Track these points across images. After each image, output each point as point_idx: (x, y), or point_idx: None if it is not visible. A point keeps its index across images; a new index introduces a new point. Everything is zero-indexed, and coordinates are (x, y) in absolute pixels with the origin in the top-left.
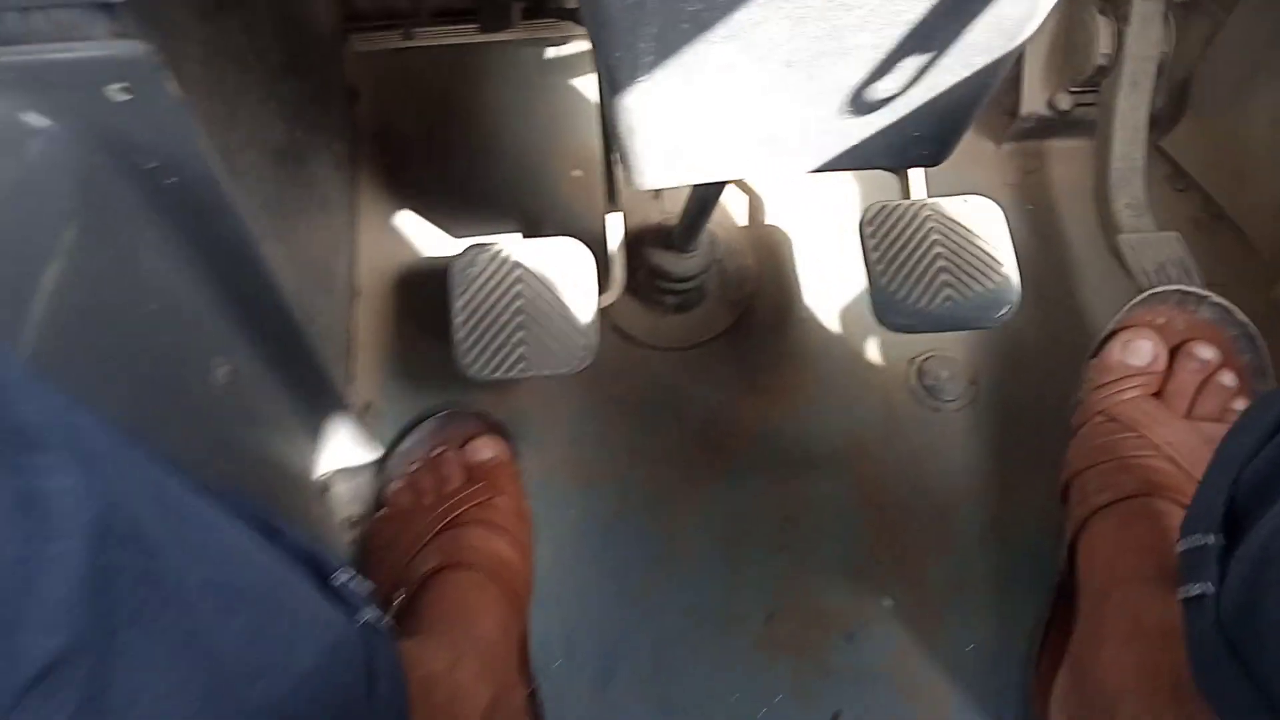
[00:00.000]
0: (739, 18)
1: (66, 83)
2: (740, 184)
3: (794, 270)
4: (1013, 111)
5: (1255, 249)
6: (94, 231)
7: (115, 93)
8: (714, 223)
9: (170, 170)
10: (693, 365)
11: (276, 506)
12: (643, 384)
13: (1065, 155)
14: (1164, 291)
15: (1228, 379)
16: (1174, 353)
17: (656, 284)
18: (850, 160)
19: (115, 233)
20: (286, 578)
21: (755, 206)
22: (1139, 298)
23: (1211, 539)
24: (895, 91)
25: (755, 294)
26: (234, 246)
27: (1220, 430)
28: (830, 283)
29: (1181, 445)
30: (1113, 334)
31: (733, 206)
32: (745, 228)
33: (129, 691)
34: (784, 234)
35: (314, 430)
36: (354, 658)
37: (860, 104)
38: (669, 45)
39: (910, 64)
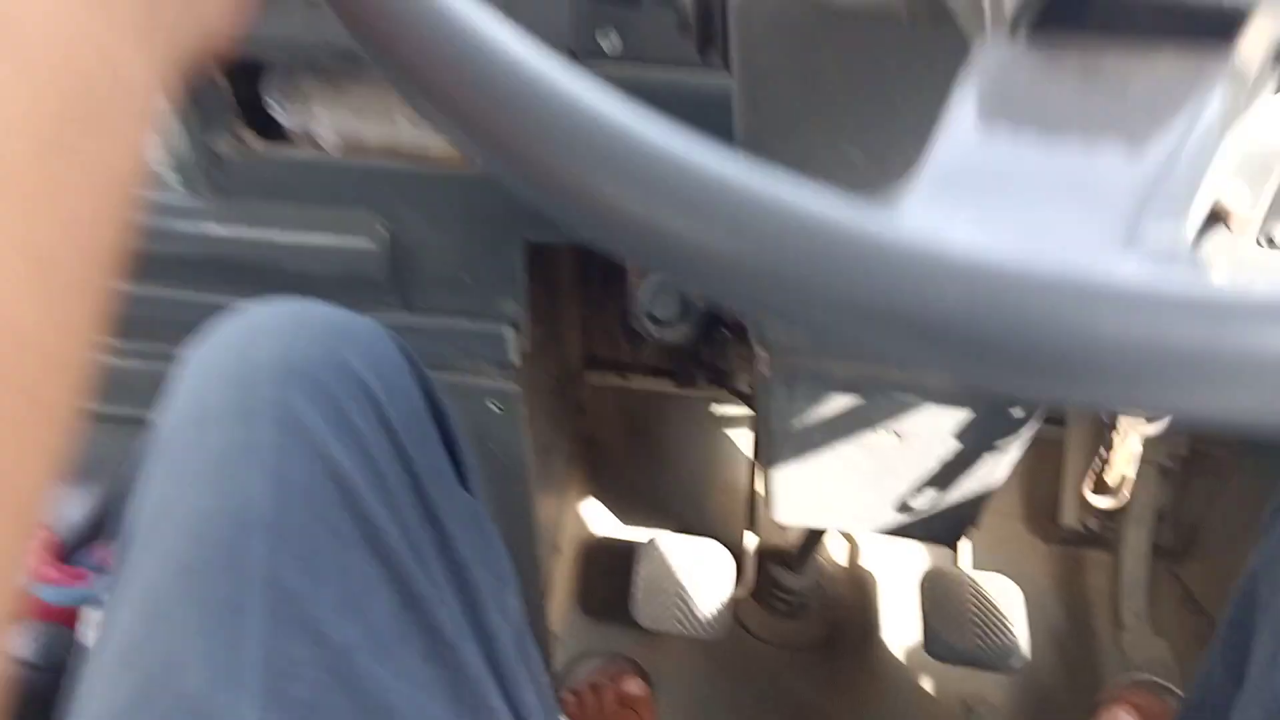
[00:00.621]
0: (857, 430)
1: (471, 389)
2: (846, 534)
3: (878, 607)
4: (1057, 521)
5: None
6: None
7: (496, 405)
8: (824, 558)
9: (502, 458)
10: (791, 663)
11: None
12: (752, 669)
13: (1095, 561)
14: (1144, 680)
15: None
16: None
17: (774, 592)
18: (902, 530)
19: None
20: None
21: (854, 552)
22: (1126, 679)
23: None
24: (925, 499)
25: (846, 619)
26: (522, 504)
27: None
28: (905, 624)
29: None
30: (1100, 706)
31: (838, 550)
32: (846, 567)
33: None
34: (874, 578)
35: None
36: None
37: (908, 498)
38: (810, 435)
39: (935, 483)
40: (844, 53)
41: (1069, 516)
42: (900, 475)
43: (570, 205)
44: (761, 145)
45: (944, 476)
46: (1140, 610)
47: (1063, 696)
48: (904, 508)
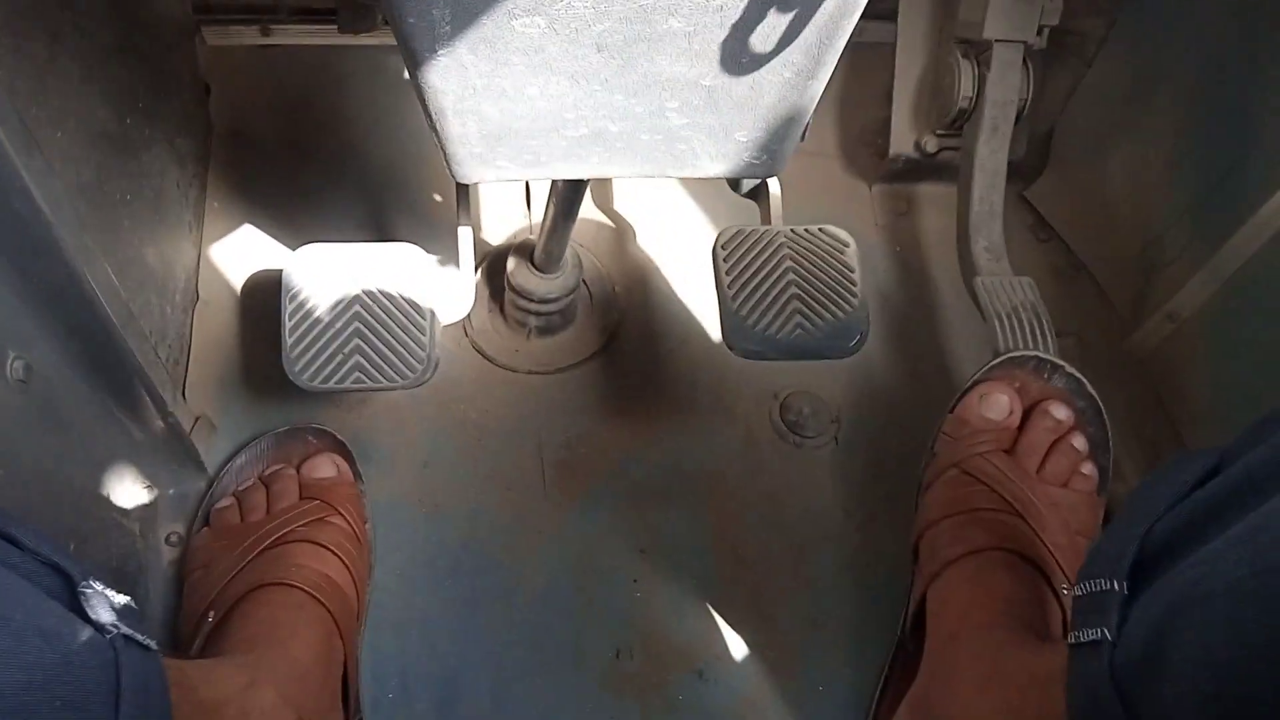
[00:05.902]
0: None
1: None
2: (606, 209)
3: (662, 298)
4: (883, 153)
5: (1111, 300)
6: None
7: None
8: (581, 246)
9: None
10: (554, 390)
11: (78, 517)
12: (501, 408)
13: (934, 199)
14: (1021, 356)
15: (1078, 442)
16: (1028, 413)
17: (519, 305)
18: (682, 165)
19: None
20: None
21: (623, 232)
22: (997, 360)
23: (1116, 585)
24: (711, 85)
25: (621, 321)
26: (31, 228)
27: (1066, 496)
28: (698, 313)
29: (1030, 504)
30: (970, 389)
31: (601, 231)
32: (613, 253)
33: None
34: (652, 261)
35: (132, 441)
36: (90, 675)
37: (679, 99)
38: (466, 12)
39: (726, 56)
40: None
41: (901, 141)
42: (667, 42)
43: None
44: None
45: (747, 25)
46: (996, 244)
47: (901, 377)
48: (679, 119)
